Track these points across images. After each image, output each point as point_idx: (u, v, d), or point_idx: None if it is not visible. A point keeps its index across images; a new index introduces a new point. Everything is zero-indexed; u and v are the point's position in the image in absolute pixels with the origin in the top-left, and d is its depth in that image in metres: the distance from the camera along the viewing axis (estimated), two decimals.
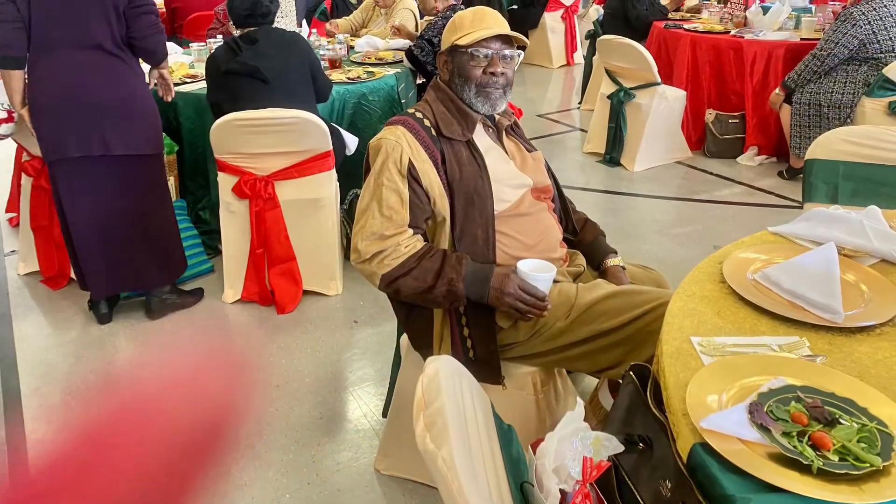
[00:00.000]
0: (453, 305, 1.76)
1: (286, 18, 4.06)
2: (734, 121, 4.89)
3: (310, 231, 3.12)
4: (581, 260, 2.00)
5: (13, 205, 3.99)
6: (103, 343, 2.94)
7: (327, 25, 5.09)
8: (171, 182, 3.41)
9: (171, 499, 0.51)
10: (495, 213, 1.80)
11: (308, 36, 4.46)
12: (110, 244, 2.89)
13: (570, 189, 4.13)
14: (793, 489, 0.94)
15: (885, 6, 4.12)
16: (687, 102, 4.90)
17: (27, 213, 3.36)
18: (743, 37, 4.85)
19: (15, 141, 3.35)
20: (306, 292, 3.20)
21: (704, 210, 4.18)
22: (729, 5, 5.40)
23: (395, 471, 2.15)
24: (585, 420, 1.17)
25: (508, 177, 1.85)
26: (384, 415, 2.36)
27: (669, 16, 5.69)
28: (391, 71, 3.84)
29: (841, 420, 1.05)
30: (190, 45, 4.33)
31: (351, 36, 4.82)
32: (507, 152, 1.92)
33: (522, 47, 1.89)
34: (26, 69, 2.71)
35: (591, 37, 6.02)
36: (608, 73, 4.89)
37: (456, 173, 1.78)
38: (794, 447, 1.00)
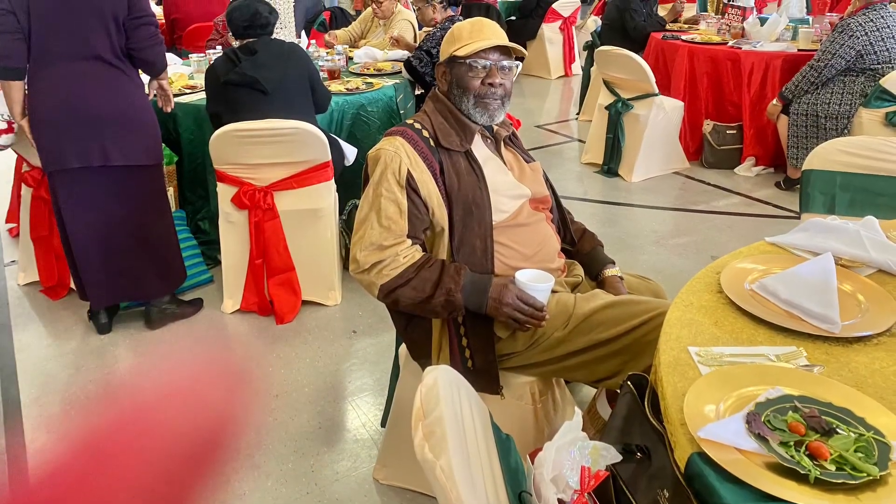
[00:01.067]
0: (452, 315, 1.76)
1: (285, 29, 4.08)
2: (731, 131, 4.90)
3: (309, 241, 3.13)
4: (579, 270, 2.01)
5: (13, 215, 3.99)
6: (103, 353, 2.93)
7: (326, 36, 5.11)
8: (171, 192, 3.42)
9: None
10: (493, 223, 1.80)
11: (307, 47, 4.48)
12: (110, 254, 2.89)
13: (568, 199, 4.15)
14: (790, 499, 0.94)
15: (883, 17, 4.15)
16: (685, 113, 4.91)
17: (27, 224, 3.36)
18: (740, 48, 4.87)
19: (15, 151, 3.36)
20: (305, 302, 3.20)
21: (702, 220, 4.19)
22: (727, 16, 5.42)
23: (393, 480, 2.15)
24: (583, 430, 1.17)
25: (507, 187, 1.86)
26: (383, 424, 2.36)
27: (667, 27, 5.71)
28: (390, 82, 3.86)
29: (838, 430, 1.06)
30: (189, 56, 4.35)
31: (350, 47, 4.84)
32: (505, 163, 1.93)
33: (521, 58, 1.90)
34: (26, 80, 2.72)
35: (590, 48, 6.05)
36: (606, 83, 4.91)
37: (454, 184, 1.79)
38: (792, 457, 1.00)
